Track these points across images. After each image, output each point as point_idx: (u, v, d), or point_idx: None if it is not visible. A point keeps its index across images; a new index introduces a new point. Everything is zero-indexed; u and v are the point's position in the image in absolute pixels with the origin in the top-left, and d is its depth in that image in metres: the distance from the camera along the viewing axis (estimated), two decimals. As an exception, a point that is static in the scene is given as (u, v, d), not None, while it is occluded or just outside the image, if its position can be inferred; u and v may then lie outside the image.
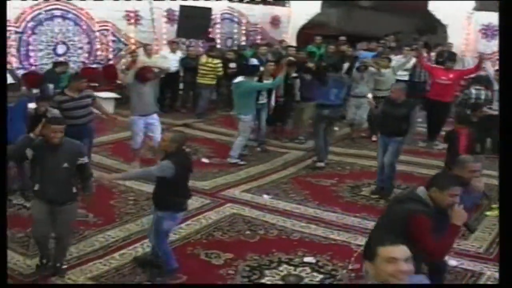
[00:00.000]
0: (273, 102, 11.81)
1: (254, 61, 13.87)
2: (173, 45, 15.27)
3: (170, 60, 14.59)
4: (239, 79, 10.88)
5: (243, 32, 19.76)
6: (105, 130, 12.55)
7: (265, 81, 10.91)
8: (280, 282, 6.45)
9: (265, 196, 9.09)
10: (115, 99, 14.43)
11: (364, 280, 3.41)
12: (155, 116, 10.21)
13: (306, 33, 19.91)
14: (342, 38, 17.52)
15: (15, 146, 6.53)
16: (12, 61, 13.65)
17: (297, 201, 8.96)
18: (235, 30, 19.47)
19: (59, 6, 14.59)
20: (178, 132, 6.88)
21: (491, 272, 6.49)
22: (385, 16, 21.87)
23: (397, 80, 14.04)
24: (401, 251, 3.28)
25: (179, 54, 15.15)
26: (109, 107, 14.21)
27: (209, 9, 16.51)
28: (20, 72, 13.59)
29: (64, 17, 14.73)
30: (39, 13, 14.18)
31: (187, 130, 12.92)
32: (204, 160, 10.93)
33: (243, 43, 18.97)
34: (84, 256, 6.92)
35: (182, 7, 16.03)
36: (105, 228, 7.75)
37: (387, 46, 16.77)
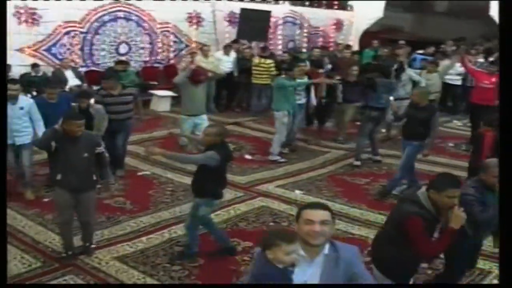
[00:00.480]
0: (314, 102, 12.10)
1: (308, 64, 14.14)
2: (226, 48, 15.72)
3: (224, 61, 15.10)
4: (279, 77, 11.29)
5: (305, 35, 20.04)
6: (159, 126, 13.19)
7: (297, 81, 11.17)
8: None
9: (297, 191, 9.39)
10: (172, 97, 15.04)
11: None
12: (204, 116, 10.69)
13: (377, 37, 19.94)
14: (402, 42, 17.69)
15: (42, 137, 7.10)
16: (76, 59, 14.43)
17: (327, 197, 9.21)
18: (297, 33, 19.78)
19: (122, 8, 15.30)
20: (219, 126, 7.12)
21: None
22: (457, 21, 21.78)
23: (449, 85, 14.18)
24: (318, 214, 3.65)
25: (233, 56, 15.57)
26: (166, 105, 14.91)
27: (268, 12, 16.96)
28: (83, 70, 14.32)
29: (127, 19, 15.43)
30: (103, 15, 14.92)
31: (237, 128, 13.43)
32: (247, 156, 11.31)
33: (305, 46, 19.32)
34: (114, 238, 7.47)
35: (242, 9, 16.56)
36: (138, 214, 8.25)
37: (443, 51, 16.80)
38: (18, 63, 13.28)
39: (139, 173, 10.05)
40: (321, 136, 12.89)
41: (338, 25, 20.91)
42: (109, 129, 9.24)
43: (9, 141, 8.31)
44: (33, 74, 13.15)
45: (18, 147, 8.57)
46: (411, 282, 5.42)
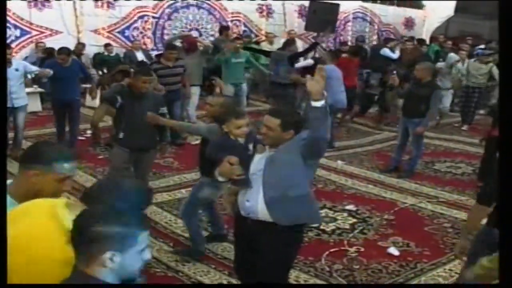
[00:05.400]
0: None
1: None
2: (290, 35, 16.13)
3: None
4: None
5: (375, 31, 20.26)
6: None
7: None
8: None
9: (339, 161, 9.68)
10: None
11: None
12: (195, 88, 10.88)
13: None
14: (469, 38, 17.79)
15: (109, 90, 7.48)
16: (148, 42, 15.21)
17: (367, 168, 9.53)
18: (367, 29, 20.01)
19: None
20: (226, 97, 6.83)
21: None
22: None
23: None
24: (265, 118, 4.21)
25: (298, 43, 15.91)
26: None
27: (337, 5, 17.22)
28: (154, 53, 14.98)
29: (199, 7, 16.15)
30: (176, 1, 15.68)
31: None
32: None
33: (374, 42, 19.52)
34: (156, 189, 7.86)
35: (311, 2, 16.90)
36: (183, 171, 8.78)
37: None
38: (92, 43, 14.15)
39: (193, 142, 10.56)
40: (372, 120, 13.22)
41: (409, 22, 20.98)
42: (166, 100, 9.68)
43: (8, 105, 8.53)
44: (105, 53, 13.95)
45: (14, 109, 8.92)
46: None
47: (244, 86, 11.95)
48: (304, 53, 12.48)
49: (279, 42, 15.61)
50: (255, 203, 4.20)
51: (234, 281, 5.47)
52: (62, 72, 9.23)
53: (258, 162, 4.25)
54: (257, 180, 4.20)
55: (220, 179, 4.32)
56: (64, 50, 9.58)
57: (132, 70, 9.35)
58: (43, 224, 2.36)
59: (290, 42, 12.67)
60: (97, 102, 10.73)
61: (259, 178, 4.19)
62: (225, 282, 5.51)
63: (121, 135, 6.57)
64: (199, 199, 5.95)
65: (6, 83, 6.82)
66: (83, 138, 10.33)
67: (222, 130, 4.46)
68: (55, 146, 3.21)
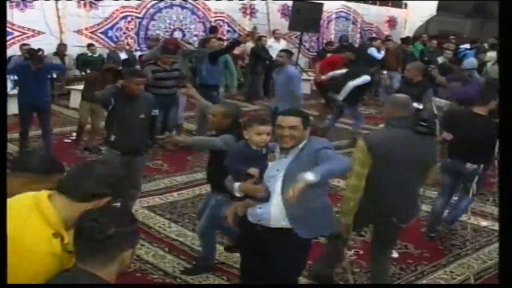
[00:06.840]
0: None
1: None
2: (275, 34, 16.12)
3: (274, 48, 15.30)
4: None
5: (358, 30, 20.26)
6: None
7: None
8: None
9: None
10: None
11: None
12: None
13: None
14: (452, 37, 17.84)
15: (103, 92, 7.19)
16: (131, 43, 15.05)
17: (352, 165, 9.41)
18: (350, 29, 19.99)
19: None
20: (230, 105, 6.00)
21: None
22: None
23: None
24: (286, 120, 4.07)
25: (283, 43, 15.89)
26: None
27: (321, 4, 17.16)
28: (137, 54, 14.78)
29: (182, 6, 16.01)
30: (159, 1, 15.51)
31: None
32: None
33: (357, 41, 19.55)
34: (147, 192, 7.77)
35: (295, 1, 16.81)
36: (173, 174, 8.65)
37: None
38: (75, 44, 13.96)
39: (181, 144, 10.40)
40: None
41: (392, 22, 21.02)
42: (162, 104, 9.32)
43: None
44: (89, 54, 13.76)
45: None
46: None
47: (221, 90, 11.22)
48: (223, 52, 11.80)
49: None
50: (267, 210, 4.08)
51: (233, 286, 5.40)
52: (32, 75, 8.87)
53: (270, 169, 4.12)
54: (270, 186, 4.08)
55: (238, 194, 4.14)
56: (37, 60, 9.16)
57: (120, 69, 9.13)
58: (23, 216, 2.40)
59: (206, 40, 12.07)
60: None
61: (272, 185, 4.07)
62: (224, 287, 5.42)
63: (112, 138, 6.43)
64: (219, 219, 5.54)
65: (6, 83, 6.63)
66: (69, 140, 10.16)
67: (244, 139, 4.22)
68: (48, 156, 3.37)
